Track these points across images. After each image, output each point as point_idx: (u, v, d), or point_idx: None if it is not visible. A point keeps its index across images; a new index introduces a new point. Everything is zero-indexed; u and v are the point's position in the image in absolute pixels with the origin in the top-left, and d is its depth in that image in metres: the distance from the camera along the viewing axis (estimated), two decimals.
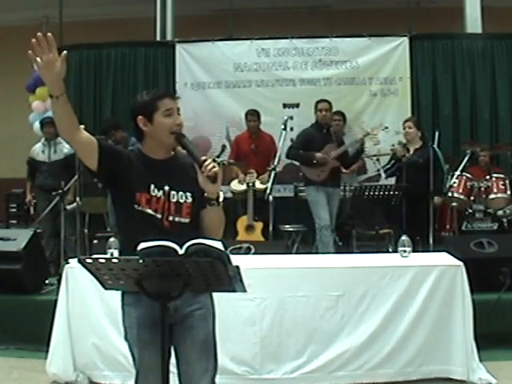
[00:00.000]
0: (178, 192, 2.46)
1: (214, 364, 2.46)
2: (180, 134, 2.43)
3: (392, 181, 6.44)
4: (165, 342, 2.17)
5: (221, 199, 2.42)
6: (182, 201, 2.45)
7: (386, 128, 6.74)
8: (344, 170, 6.62)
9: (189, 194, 2.46)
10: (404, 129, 5.99)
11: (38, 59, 2.18)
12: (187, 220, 2.45)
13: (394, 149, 6.15)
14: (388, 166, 6.10)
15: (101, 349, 4.01)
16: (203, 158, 2.38)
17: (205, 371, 2.42)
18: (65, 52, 2.24)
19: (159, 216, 2.42)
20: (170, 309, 2.27)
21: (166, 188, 2.44)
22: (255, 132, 7.04)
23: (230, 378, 3.90)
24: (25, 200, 7.21)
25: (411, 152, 5.88)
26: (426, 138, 6.18)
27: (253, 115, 7.06)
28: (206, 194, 2.39)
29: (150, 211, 2.41)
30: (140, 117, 2.46)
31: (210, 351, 2.45)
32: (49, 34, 2.17)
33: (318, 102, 6.34)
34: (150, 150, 2.49)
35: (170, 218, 2.43)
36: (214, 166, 2.35)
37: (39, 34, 2.16)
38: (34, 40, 2.15)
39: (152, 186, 2.43)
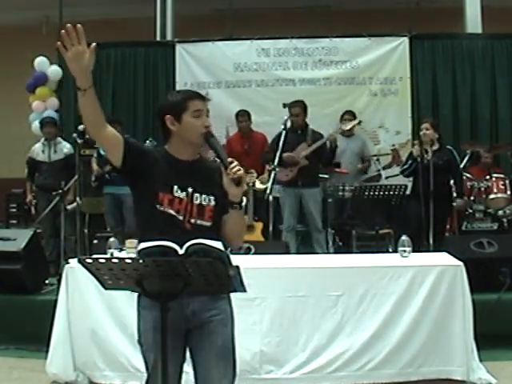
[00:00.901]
0: (201, 194, 2.43)
1: (232, 370, 2.43)
2: (208, 133, 2.42)
3: (392, 181, 6.44)
4: (165, 343, 2.16)
5: (243, 203, 2.41)
6: (204, 203, 2.43)
7: (360, 123, 6.74)
8: (345, 170, 6.61)
9: (212, 198, 2.43)
10: (421, 130, 5.89)
11: (67, 51, 2.16)
12: (209, 223, 2.42)
13: (412, 150, 6.07)
14: (406, 167, 6.02)
15: (101, 349, 4.01)
16: (229, 159, 2.36)
17: (223, 377, 2.39)
18: (94, 44, 2.21)
19: (181, 217, 2.39)
20: (189, 313, 2.31)
21: (190, 190, 2.42)
22: (247, 132, 7.05)
23: None
24: (25, 200, 7.19)
25: (430, 154, 5.76)
26: (445, 140, 6.15)
27: (243, 115, 7.06)
28: (229, 197, 2.38)
29: (172, 212, 2.39)
30: (168, 116, 2.44)
31: (229, 357, 2.43)
32: (78, 25, 2.13)
33: (290, 107, 6.26)
34: (175, 151, 2.47)
35: (192, 221, 2.40)
36: (239, 169, 2.34)
37: (69, 25, 2.12)
38: (63, 31, 2.12)
39: (175, 187, 2.41)
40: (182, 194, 2.40)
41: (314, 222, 6.18)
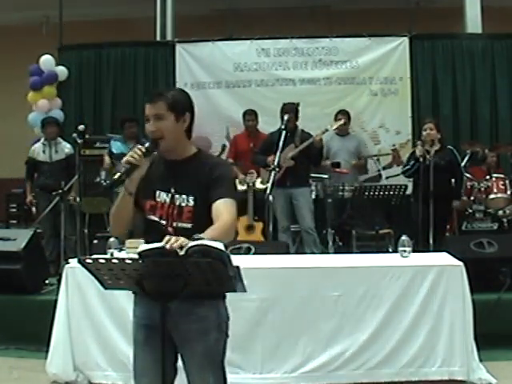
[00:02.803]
0: (181, 195, 2.37)
1: (217, 378, 2.37)
2: (153, 140, 2.37)
3: (392, 181, 6.44)
4: (165, 344, 2.16)
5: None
6: (183, 204, 2.36)
7: (346, 123, 6.73)
8: (345, 170, 6.61)
9: (191, 198, 2.36)
10: (425, 130, 5.86)
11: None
12: (189, 225, 2.35)
13: (414, 150, 6.04)
14: (408, 167, 6.00)
15: (103, 349, 4.01)
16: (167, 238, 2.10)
17: None
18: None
19: (164, 222, 2.37)
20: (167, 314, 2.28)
21: (172, 191, 2.38)
22: (253, 131, 7.05)
23: (230, 378, 3.88)
24: (25, 200, 7.17)
25: (431, 154, 5.74)
26: (445, 140, 6.15)
27: (250, 115, 7.06)
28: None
29: (154, 218, 2.38)
30: None
31: (212, 368, 2.35)
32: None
33: (284, 112, 6.12)
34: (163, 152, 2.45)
35: (174, 224, 2.36)
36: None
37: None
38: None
39: (158, 192, 2.40)
40: (166, 198, 2.38)
41: (304, 221, 6.16)
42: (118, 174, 2.29)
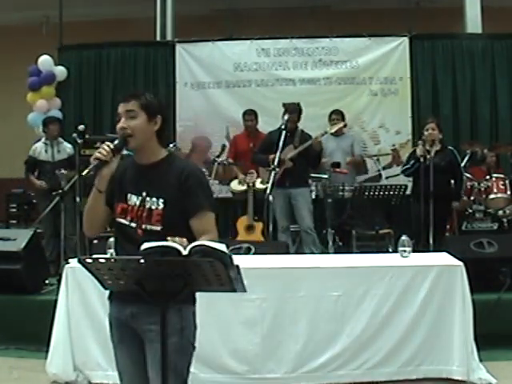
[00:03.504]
0: (151, 198, 2.39)
1: None
2: (124, 135, 2.39)
3: (392, 181, 6.44)
4: (165, 344, 2.14)
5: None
6: (153, 207, 2.38)
7: (346, 125, 6.73)
8: (345, 170, 6.61)
9: (161, 201, 2.38)
10: (427, 130, 5.85)
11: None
12: (158, 228, 2.36)
13: (414, 149, 6.04)
14: (407, 166, 5.99)
15: (104, 348, 4.00)
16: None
17: None
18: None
19: (134, 225, 2.39)
20: (127, 314, 2.35)
21: (144, 194, 2.40)
22: (253, 131, 7.05)
23: (231, 377, 3.92)
24: (37, 186, 6.91)
25: (432, 154, 5.73)
26: (446, 140, 6.14)
27: (250, 115, 7.06)
28: None
29: (124, 221, 2.41)
30: None
31: (171, 372, 2.20)
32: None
33: (289, 108, 6.15)
34: (135, 156, 2.49)
35: (143, 227, 2.38)
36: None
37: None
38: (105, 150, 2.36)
39: (129, 195, 2.42)
40: (137, 201, 2.40)
41: (303, 222, 6.16)
42: (87, 170, 2.31)
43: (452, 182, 5.97)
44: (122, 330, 2.38)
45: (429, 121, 6.01)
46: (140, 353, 2.37)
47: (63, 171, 6.37)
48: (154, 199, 2.39)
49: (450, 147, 5.97)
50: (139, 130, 2.39)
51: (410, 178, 6.14)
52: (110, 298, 2.47)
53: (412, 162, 5.88)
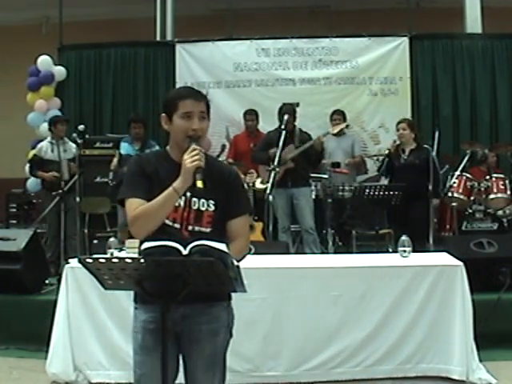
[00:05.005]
0: (199, 199, 2.31)
1: (220, 378, 2.36)
2: (194, 137, 2.27)
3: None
4: (165, 346, 2.14)
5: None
6: (203, 209, 2.31)
7: (348, 126, 6.77)
8: (345, 170, 6.61)
9: (211, 202, 2.31)
10: (398, 130, 5.98)
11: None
12: (208, 229, 2.30)
13: (389, 149, 6.10)
14: (380, 164, 6.11)
15: (104, 348, 4.01)
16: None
17: None
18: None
19: (177, 226, 2.30)
20: (177, 317, 2.25)
21: (188, 194, 2.29)
22: (253, 131, 7.05)
23: (232, 376, 3.89)
24: (28, 194, 6.93)
25: (406, 153, 5.89)
26: (422, 138, 6.14)
27: (251, 115, 7.07)
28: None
29: (167, 222, 2.29)
30: (163, 114, 2.36)
31: (217, 367, 2.34)
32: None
33: (283, 113, 6.07)
34: (172, 152, 2.36)
35: (190, 228, 2.30)
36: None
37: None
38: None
39: None
40: (180, 201, 2.28)
41: (304, 221, 6.17)
42: (200, 181, 2.17)
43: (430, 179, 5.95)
44: (157, 336, 2.22)
45: (400, 120, 6.11)
46: (173, 360, 2.31)
47: (71, 163, 6.35)
48: (203, 200, 2.31)
49: (426, 146, 5.95)
50: (206, 131, 2.35)
51: (386, 177, 6.21)
52: (137, 303, 2.36)
53: (386, 160, 5.96)
